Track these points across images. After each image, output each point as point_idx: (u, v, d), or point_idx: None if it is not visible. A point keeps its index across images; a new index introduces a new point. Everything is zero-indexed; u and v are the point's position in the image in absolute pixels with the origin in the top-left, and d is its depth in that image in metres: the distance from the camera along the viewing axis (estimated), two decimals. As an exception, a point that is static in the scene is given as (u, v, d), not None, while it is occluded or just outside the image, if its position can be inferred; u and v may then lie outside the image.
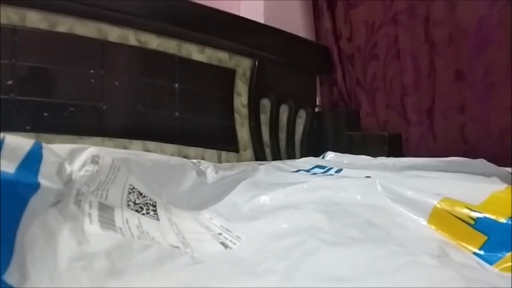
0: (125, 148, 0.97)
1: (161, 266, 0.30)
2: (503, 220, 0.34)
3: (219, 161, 1.12)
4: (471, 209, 0.36)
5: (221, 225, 0.41)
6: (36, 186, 0.28)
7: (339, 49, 1.28)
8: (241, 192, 0.49)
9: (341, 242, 0.31)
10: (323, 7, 1.28)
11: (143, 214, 0.38)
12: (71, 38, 0.93)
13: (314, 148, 1.32)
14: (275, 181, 0.53)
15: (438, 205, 0.39)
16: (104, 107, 0.95)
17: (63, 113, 0.91)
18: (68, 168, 0.34)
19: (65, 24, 0.92)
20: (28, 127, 0.88)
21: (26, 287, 0.23)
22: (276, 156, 1.27)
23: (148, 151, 1.00)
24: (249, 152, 1.20)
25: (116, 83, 0.98)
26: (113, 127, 0.96)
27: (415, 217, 0.39)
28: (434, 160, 0.59)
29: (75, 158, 0.37)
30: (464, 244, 0.35)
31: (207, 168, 0.61)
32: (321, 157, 0.84)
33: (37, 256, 0.25)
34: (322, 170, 0.62)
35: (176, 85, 1.05)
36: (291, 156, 1.31)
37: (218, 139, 1.14)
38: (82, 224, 0.31)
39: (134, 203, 0.39)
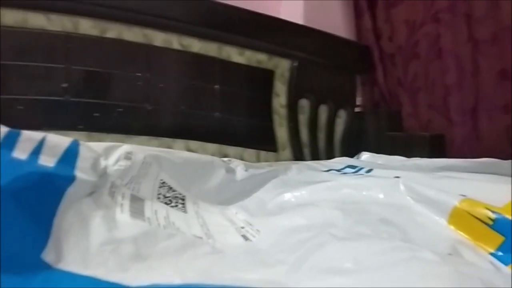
0: (169, 147, 1.02)
1: (182, 254, 0.32)
2: None
3: (258, 160, 1.15)
4: (490, 210, 0.36)
5: (244, 219, 0.43)
6: (72, 178, 0.31)
7: (380, 49, 1.27)
8: (269, 189, 0.51)
9: (349, 238, 0.33)
10: (364, 7, 1.27)
11: (172, 206, 0.41)
12: (119, 44, 0.99)
13: (355, 148, 1.31)
14: (303, 179, 0.54)
15: (459, 205, 0.39)
16: (150, 108, 1.01)
17: (112, 113, 0.98)
18: (103, 163, 0.38)
19: (114, 30, 0.99)
20: (80, 126, 0.95)
21: (60, 265, 0.26)
22: (315, 156, 1.27)
23: (190, 150, 1.04)
24: (287, 152, 1.22)
25: (161, 85, 1.04)
26: (158, 127, 1.02)
27: (436, 217, 0.40)
28: (465, 161, 0.58)
29: (110, 154, 0.41)
30: (481, 245, 0.35)
31: (237, 166, 0.64)
32: (355, 157, 0.84)
33: (71, 239, 0.28)
34: (353, 170, 0.63)
35: (216, 86, 1.09)
36: (330, 156, 1.31)
37: (257, 139, 1.17)
38: (113, 213, 0.34)
39: (164, 196, 0.42)
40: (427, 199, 0.42)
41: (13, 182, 0.27)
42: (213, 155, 1.07)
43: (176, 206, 0.41)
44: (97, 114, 0.96)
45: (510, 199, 0.37)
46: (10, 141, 0.32)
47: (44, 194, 0.29)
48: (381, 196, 0.45)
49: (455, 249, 0.33)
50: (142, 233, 0.33)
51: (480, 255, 0.32)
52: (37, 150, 0.32)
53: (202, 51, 1.09)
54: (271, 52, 1.19)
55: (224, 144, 1.09)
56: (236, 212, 0.45)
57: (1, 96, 0.88)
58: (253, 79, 1.17)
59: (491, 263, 0.31)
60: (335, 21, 1.41)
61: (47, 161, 0.31)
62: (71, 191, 0.30)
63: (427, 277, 0.25)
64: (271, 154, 1.18)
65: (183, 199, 0.43)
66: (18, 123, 0.87)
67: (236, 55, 1.13)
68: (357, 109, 1.41)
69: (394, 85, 1.25)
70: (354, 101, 1.39)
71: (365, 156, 0.82)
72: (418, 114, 1.15)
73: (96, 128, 0.96)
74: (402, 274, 0.26)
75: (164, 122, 1.03)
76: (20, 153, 0.31)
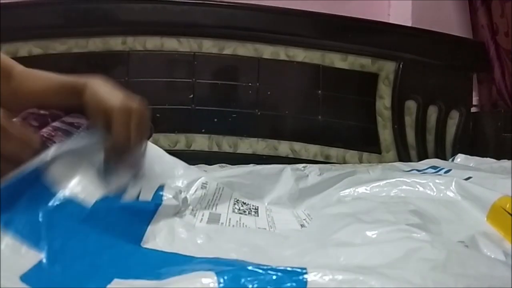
0: (275, 148, 1.14)
1: (245, 238, 0.42)
2: None
3: (360, 162, 1.19)
4: None
5: (308, 213, 0.51)
6: (160, 204, 0.45)
7: (496, 45, 1.20)
8: (340, 186, 0.58)
9: (370, 222, 0.39)
10: (477, 2, 1.21)
11: (246, 214, 0.51)
12: (234, 58, 1.15)
13: (468, 150, 1.26)
14: (377, 178, 0.60)
15: (497, 202, 0.41)
16: (259, 113, 1.15)
17: (228, 119, 1.14)
18: (183, 194, 0.50)
19: (230, 48, 1.15)
20: (203, 130, 1.13)
21: (153, 247, 0.39)
22: (423, 158, 1.25)
23: (294, 151, 1.15)
24: (392, 154, 1.23)
25: (268, 92, 1.17)
26: (265, 130, 1.15)
27: (478, 213, 0.42)
28: None
29: (190, 187, 0.53)
30: (510, 239, 0.37)
31: (312, 171, 0.71)
32: (450, 159, 0.83)
33: (162, 236, 0.41)
34: (434, 171, 0.64)
35: (319, 91, 1.17)
36: (440, 158, 1.27)
37: (360, 140, 1.21)
38: (194, 223, 0.47)
39: (239, 209, 0.52)
40: (473, 197, 0.45)
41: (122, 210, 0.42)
42: (315, 155, 1.16)
43: (250, 214, 0.51)
44: (216, 120, 1.14)
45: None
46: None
47: (143, 214, 0.43)
48: (432, 193, 0.48)
49: (473, 239, 0.36)
50: (214, 229, 0.44)
51: (497, 248, 0.34)
52: (139, 193, 0.47)
53: (307, 60, 1.18)
54: (375, 56, 1.22)
55: (326, 145, 1.16)
56: (305, 209, 0.54)
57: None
58: (356, 83, 1.22)
59: (508, 256, 0.34)
60: (448, 19, 1.36)
61: (145, 196, 0.46)
62: (160, 210, 0.43)
63: (411, 251, 0.30)
64: (374, 155, 1.21)
65: (256, 208, 0.53)
66: (155, 129, 1.09)
67: (339, 61, 1.20)
68: (473, 109, 1.34)
69: (513, 83, 1.16)
70: (469, 100, 1.33)
71: (461, 158, 0.81)
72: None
73: (215, 131, 1.13)
74: (392, 248, 0.31)
75: (270, 125, 1.15)
76: (128, 197, 0.45)
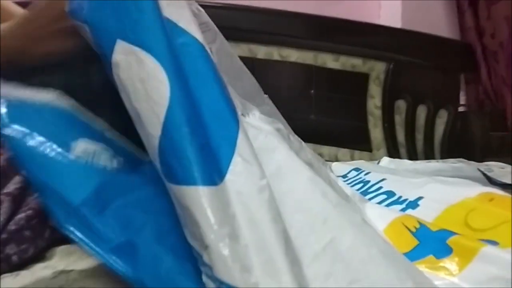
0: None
1: None
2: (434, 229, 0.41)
3: (352, 159, 1.22)
4: (418, 222, 0.43)
5: None
6: None
7: (483, 46, 1.23)
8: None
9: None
10: (465, 5, 1.25)
11: None
12: (228, 58, 1.17)
13: (457, 149, 1.29)
14: None
15: (397, 219, 0.44)
16: (253, 113, 1.17)
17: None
18: None
19: (225, 48, 1.17)
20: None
21: None
22: (412, 157, 1.28)
23: (288, 148, 1.17)
24: (382, 152, 1.26)
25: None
26: (259, 129, 1.17)
27: (377, 223, 0.45)
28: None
29: None
30: (400, 247, 0.40)
31: None
32: (378, 161, 0.85)
33: None
34: (356, 173, 0.67)
35: (312, 91, 1.20)
36: (429, 157, 1.31)
37: (351, 139, 1.24)
38: None
39: None
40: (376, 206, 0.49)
41: None
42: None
43: None
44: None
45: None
46: None
47: None
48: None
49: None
50: None
51: None
52: None
53: (300, 60, 1.21)
54: (366, 56, 1.25)
55: (318, 144, 1.19)
56: None
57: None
58: (348, 83, 1.24)
59: None
60: (437, 21, 1.39)
61: None
62: None
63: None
64: (365, 153, 1.24)
65: None
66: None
67: (331, 61, 1.23)
68: (461, 109, 1.37)
69: (499, 83, 1.20)
70: (457, 100, 1.36)
71: (385, 161, 0.84)
72: (523, 113, 1.10)
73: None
74: None
75: (264, 124, 1.18)
76: None
